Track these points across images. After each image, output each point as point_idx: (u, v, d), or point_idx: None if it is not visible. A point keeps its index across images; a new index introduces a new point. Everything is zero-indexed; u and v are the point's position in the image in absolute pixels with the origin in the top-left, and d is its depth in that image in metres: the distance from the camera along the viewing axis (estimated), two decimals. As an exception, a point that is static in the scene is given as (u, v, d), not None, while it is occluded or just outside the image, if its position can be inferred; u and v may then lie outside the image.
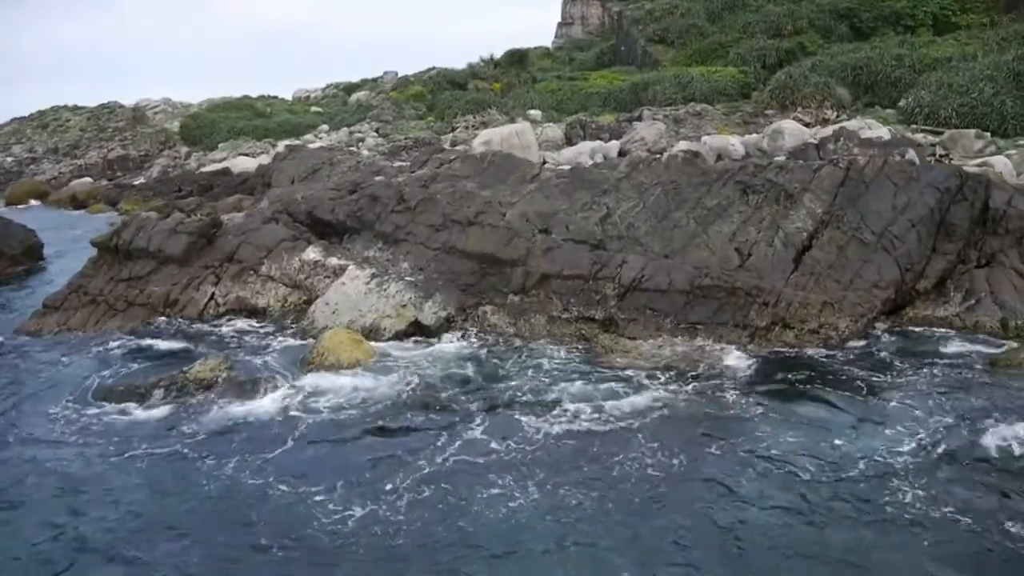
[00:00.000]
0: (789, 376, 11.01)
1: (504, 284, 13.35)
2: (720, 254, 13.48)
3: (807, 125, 33.25)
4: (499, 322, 12.95)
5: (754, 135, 26.40)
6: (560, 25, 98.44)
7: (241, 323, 14.21)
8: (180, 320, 14.33)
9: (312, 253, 14.41)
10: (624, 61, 52.36)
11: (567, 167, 16.16)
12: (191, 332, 14.22)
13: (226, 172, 36.57)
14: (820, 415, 9.81)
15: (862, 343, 12.20)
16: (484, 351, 12.25)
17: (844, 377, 10.95)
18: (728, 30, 47.75)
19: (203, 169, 41.21)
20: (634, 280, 12.97)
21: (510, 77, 47.69)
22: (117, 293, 14.80)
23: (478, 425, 9.59)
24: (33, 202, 38.80)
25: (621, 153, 30.24)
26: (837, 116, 33.27)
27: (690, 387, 10.67)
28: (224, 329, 14.15)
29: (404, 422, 9.85)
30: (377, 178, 16.59)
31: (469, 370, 11.44)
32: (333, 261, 14.17)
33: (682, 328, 12.50)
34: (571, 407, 10.02)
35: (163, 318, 14.36)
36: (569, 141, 36.01)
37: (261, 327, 14.02)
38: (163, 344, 13.94)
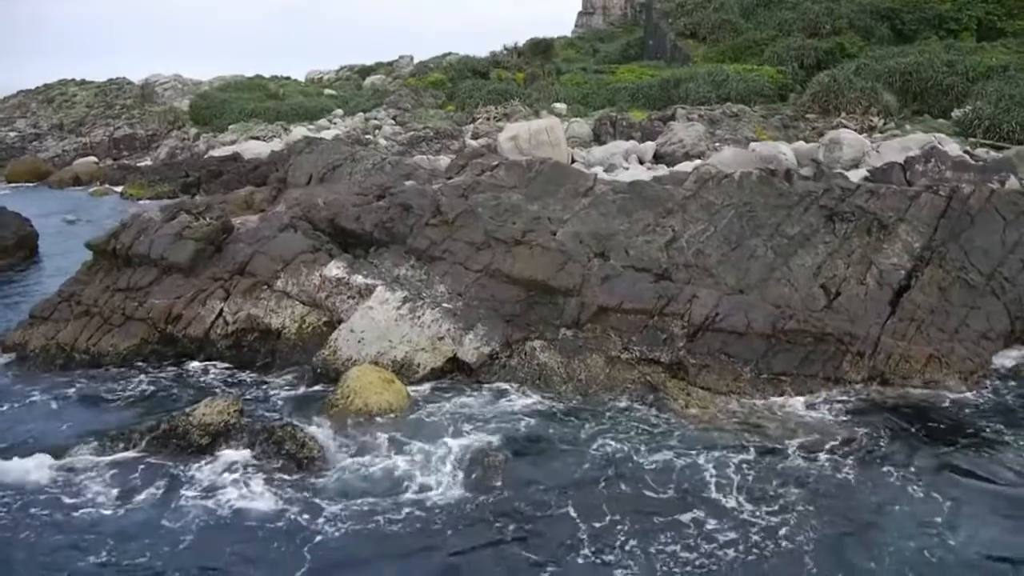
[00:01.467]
0: (913, 443, 9.28)
1: (555, 316, 11.64)
2: (804, 291, 11.75)
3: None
4: (550, 361, 11.24)
5: (806, 143, 24.59)
6: (581, 14, 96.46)
7: (252, 344, 12.53)
8: (183, 338, 12.65)
9: (335, 269, 12.70)
10: (652, 55, 50.45)
11: (625, 180, 14.38)
12: (193, 351, 12.57)
13: (236, 158, 34.85)
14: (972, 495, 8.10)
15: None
16: (537, 400, 10.53)
17: (980, 435, 9.25)
18: (763, 27, 45.83)
19: (212, 153, 39.49)
20: (706, 319, 11.26)
21: (534, 67, 45.83)
22: (114, 304, 13.10)
23: (559, 529, 7.68)
24: (33, 183, 37.04)
25: (657, 156, 28.49)
26: (884, 123, 31.47)
27: (794, 458, 8.94)
28: (232, 352, 12.49)
29: (459, 523, 7.76)
30: (408, 183, 14.85)
31: (523, 428, 9.71)
32: (359, 279, 12.45)
33: (764, 379, 10.80)
34: (662, 492, 8.28)
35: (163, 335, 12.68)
36: (598, 138, 34.21)
37: (275, 351, 12.35)
38: (160, 370, 12.34)
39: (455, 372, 11.32)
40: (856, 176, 19.47)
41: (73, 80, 57.08)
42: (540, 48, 46.92)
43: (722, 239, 12.36)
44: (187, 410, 9.68)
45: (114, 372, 12.22)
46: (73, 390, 11.52)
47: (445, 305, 11.78)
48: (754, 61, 42.51)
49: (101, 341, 12.71)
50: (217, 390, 11.43)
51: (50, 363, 12.63)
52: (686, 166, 24.96)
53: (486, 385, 10.97)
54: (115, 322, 12.94)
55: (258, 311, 12.71)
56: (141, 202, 29.96)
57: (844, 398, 10.46)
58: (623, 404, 10.46)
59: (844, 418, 9.98)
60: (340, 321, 12.31)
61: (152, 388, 11.63)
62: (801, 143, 25.21)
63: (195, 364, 12.45)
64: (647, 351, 11.26)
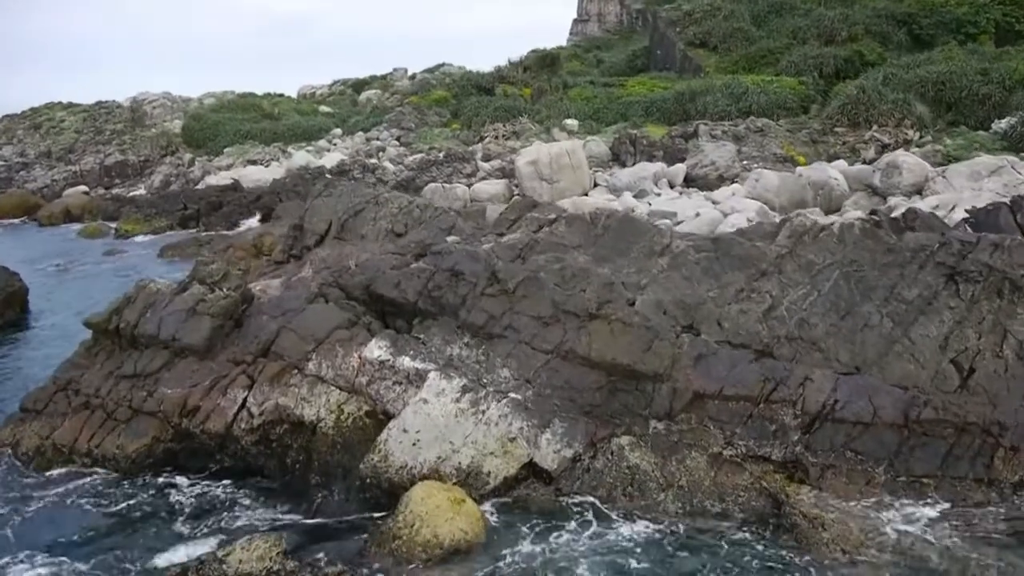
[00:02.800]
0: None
1: (643, 405, 9.90)
2: (931, 368, 10.04)
3: (884, 146, 29.93)
4: (642, 462, 9.49)
5: (858, 165, 22.90)
6: (576, 22, 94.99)
7: (282, 439, 10.75)
8: (201, 435, 10.85)
9: (376, 349, 10.91)
10: (660, 66, 48.83)
11: (702, 235, 12.61)
12: (213, 449, 10.78)
13: (236, 187, 33.11)
14: None
15: None
16: (635, 528, 8.76)
17: None
18: (776, 35, 44.29)
19: (210, 180, 37.68)
20: (823, 407, 9.54)
21: (540, 82, 44.15)
22: (118, 395, 11.30)
23: None
24: (21, 219, 35.13)
25: (688, 179, 26.81)
26: (920, 137, 29.88)
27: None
28: (260, 448, 10.71)
29: None
30: (450, 239, 13.07)
31: (626, 571, 7.95)
32: (406, 362, 10.68)
33: (903, 483, 9.07)
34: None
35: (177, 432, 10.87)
36: (616, 157, 32.51)
37: (311, 449, 10.56)
38: (176, 475, 10.57)
39: (530, 479, 9.54)
40: (926, 205, 17.84)
41: (60, 103, 55.14)
42: (546, 61, 45.27)
43: (828, 305, 10.63)
44: (220, 553, 7.89)
45: (122, 481, 10.43)
46: (72, 512, 9.71)
47: (513, 395, 10.01)
48: (770, 71, 40.94)
49: (105, 441, 10.90)
50: (247, 507, 9.64)
51: (45, 468, 10.84)
52: (725, 192, 23.31)
53: (570, 499, 9.20)
54: (121, 417, 11.13)
55: (288, 400, 10.91)
56: (137, 239, 28.15)
57: (1004, 510, 8.73)
58: (738, 526, 8.71)
59: (1008, 538, 8.26)
60: (385, 412, 10.54)
61: (169, 505, 9.85)
62: (852, 166, 23.49)
63: (217, 468, 10.67)
64: (755, 447, 9.53)
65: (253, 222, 27.92)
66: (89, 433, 11.04)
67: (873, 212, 13.74)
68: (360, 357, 11.03)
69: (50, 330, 16.92)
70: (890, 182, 20.07)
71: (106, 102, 51.51)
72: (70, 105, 54.05)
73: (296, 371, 11.14)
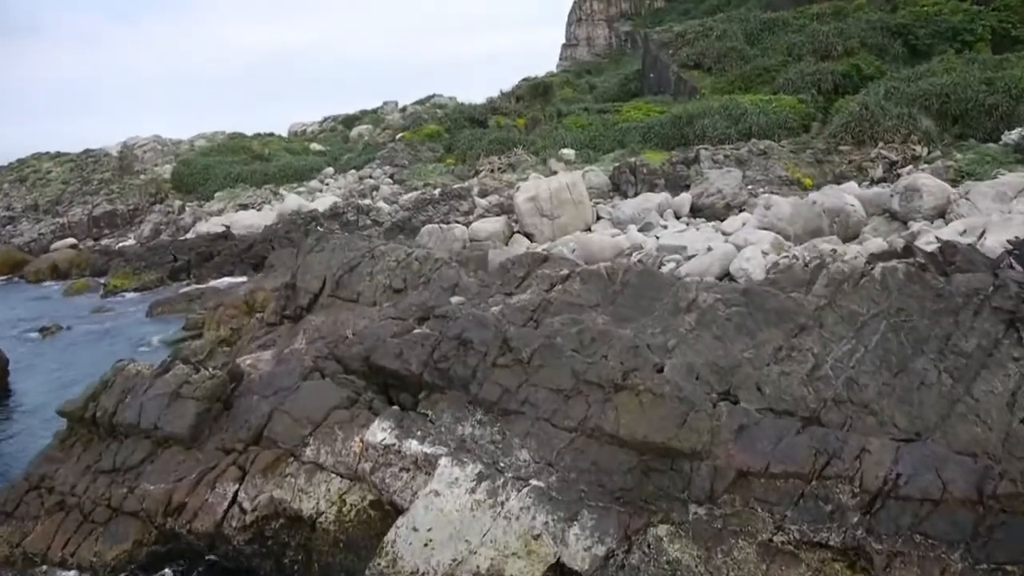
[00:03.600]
0: None
1: (680, 487, 8.82)
2: (1000, 430, 8.98)
3: (892, 163, 29.07)
4: (683, 556, 8.40)
5: (874, 189, 21.94)
6: (565, 46, 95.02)
7: (278, 535, 9.65)
8: (189, 535, 9.75)
9: (380, 432, 9.85)
10: (654, 89, 48.18)
11: (730, 286, 11.56)
12: (202, 550, 9.69)
13: (227, 235, 32.13)
14: None
15: None
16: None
17: None
18: (770, 53, 43.66)
19: (200, 227, 36.69)
20: (885, 482, 8.46)
21: (534, 111, 43.38)
22: (96, 493, 10.22)
23: None
24: (7, 276, 34.11)
25: (695, 209, 25.83)
26: (928, 152, 29.01)
27: None
28: (254, 548, 9.61)
29: None
30: (454, 299, 12.04)
31: None
32: (414, 446, 9.61)
33: (983, 570, 7.98)
34: None
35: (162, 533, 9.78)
36: (617, 188, 31.58)
37: (310, 547, 9.46)
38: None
39: (559, 581, 8.44)
40: (952, 231, 16.88)
41: (47, 153, 54.45)
42: (539, 90, 44.58)
43: (878, 362, 9.59)
44: None
45: (101, 596, 9.31)
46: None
47: (534, 482, 8.94)
48: (766, 90, 40.23)
49: (81, 547, 9.81)
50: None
51: (17, 582, 9.75)
52: (735, 222, 22.34)
53: (609, 607, 8.10)
54: (99, 518, 10.04)
55: (283, 493, 9.83)
56: (126, 295, 27.12)
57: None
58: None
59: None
60: (392, 503, 9.47)
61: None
62: (867, 189, 22.54)
63: (207, 570, 9.56)
64: (810, 531, 8.44)
65: (243, 277, 26.87)
66: (64, 538, 9.95)
67: (908, 249, 12.73)
68: (362, 441, 9.97)
69: (30, 411, 15.86)
70: (910, 206, 19.10)
71: (94, 150, 50.74)
72: (58, 155, 53.34)
73: (292, 458, 10.07)
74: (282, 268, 24.90)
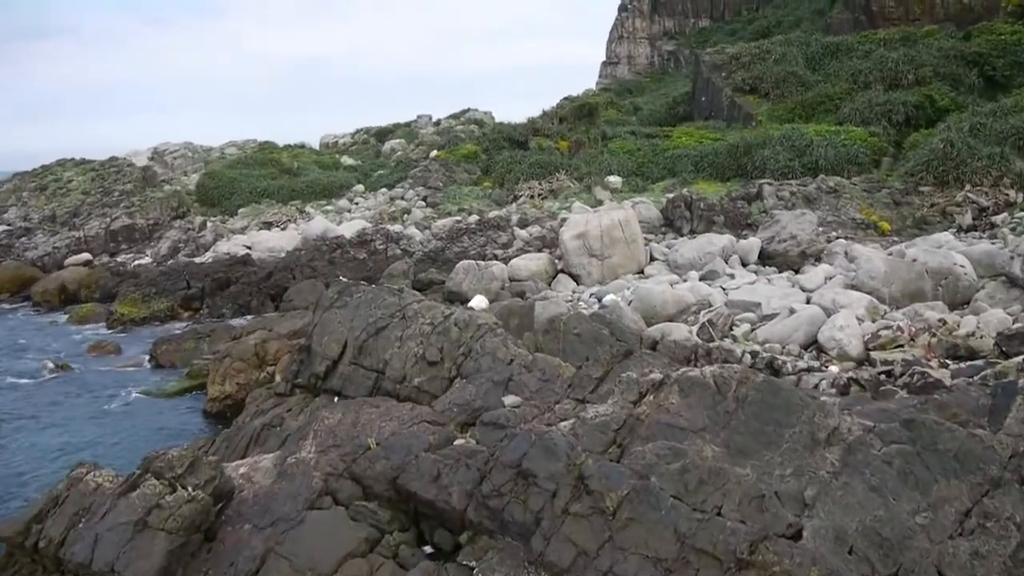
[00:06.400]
0: None
1: None
2: None
3: (983, 210, 26.13)
4: None
5: (983, 245, 19.04)
6: (605, 64, 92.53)
7: None
8: None
9: (409, 600, 7.25)
10: (704, 113, 45.44)
11: (881, 409, 8.77)
12: None
13: (246, 261, 29.82)
14: None
15: None
16: None
17: None
18: (833, 79, 40.71)
19: (220, 246, 34.54)
20: None
21: (578, 134, 40.80)
22: (31, 657, 7.70)
23: None
24: (13, 295, 32.09)
25: (764, 255, 23.08)
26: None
27: None
28: None
29: None
30: (507, 400, 9.41)
31: None
32: (453, 627, 6.99)
33: None
34: None
35: None
36: (670, 223, 28.85)
37: None
38: None
39: None
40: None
41: (72, 160, 52.78)
42: (583, 111, 41.97)
43: (1110, 541, 6.83)
44: None
45: None
46: None
47: None
48: (829, 119, 37.35)
49: None
50: None
51: None
52: (815, 276, 19.54)
53: None
54: None
55: (276, 676, 7.23)
56: (132, 328, 24.82)
57: None
58: None
59: None
60: None
61: None
62: (975, 244, 19.66)
63: None
64: None
65: (256, 317, 24.48)
66: None
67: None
68: (384, 607, 7.36)
69: (12, 461, 13.61)
70: (1036, 270, 16.23)
71: (117, 159, 48.91)
72: (82, 162, 51.63)
73: (289, 626, 7.48)
74: (300, 307, 22.52)
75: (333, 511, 8.26)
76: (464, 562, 7.70)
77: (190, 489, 8.21)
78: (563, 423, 8.24)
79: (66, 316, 27.00)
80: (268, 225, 38.77)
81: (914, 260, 17.74)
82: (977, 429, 7.58)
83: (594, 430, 8.04)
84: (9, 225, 42.38)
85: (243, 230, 38.58)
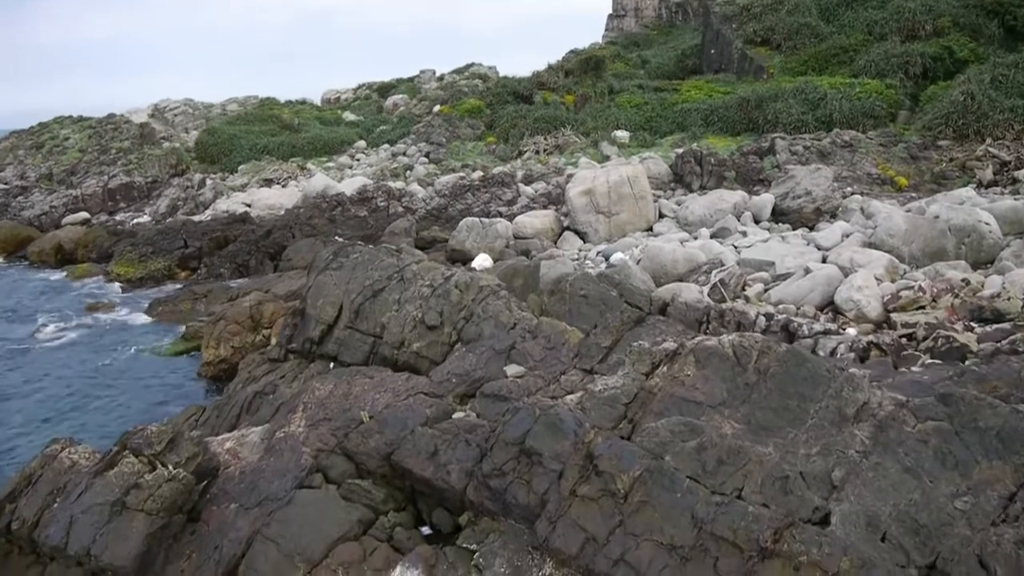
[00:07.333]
0: None
1: None
2: None
3: (1004, 165, 25.23)
4: None
5: (1008, 202, 18.20)
6: (611, 17, 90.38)
7: None
8: None
9: (403, 585, 6.73)
10: (715, 66, 44.15)
11: (917, 380, 8.13)
12: None
13: (244, 219, 29.15)
14: None
15: None
16: None
17: None
18: (848, 30, 39.37)
19: (220, 204, 33.86)
20: None
21: (584, 88, 39.71)
22: (3, 645, 7.25)
23: None
24: (8, 256, 31.53)
25: (778, 212, 22.29)
26: (1047, 152, 25.09)
27: None
28: None
29: None
30: (510, 371, 8.81)
31: None
32: (451, 616, 6.48)
33: None
34: None
35: None
36: (680, 179, 28.02)
37: None
38: None
39: None
40: None
41: (69, 117, 51.80)
42: (590, 64, 40.74)
43: None
44: None
45: None
46: None
47: None
48: (844, 72, 36.16)
49: None
50: None
51: None
52: (831, 234, 18.79)
53: None
54: None
55: (262, 667, 6.75)
56: (127, 291, 24.27)
57: None
58: None
59: None
60: None
61: None
62: (1000, 200, 18.87)
63: None
64: None
65: (254, 278, 23.87)
66: None
67: None
68: (377, 594, 6.85)
69: (8, 431, 13.18)
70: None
71: (114, 116, 47.95)
72: (80, 119, 50.68)
73: (276, 614, 6.99)
74: (299, 267, 21.92)
75: (324, 490, 7.72)
76: (464, 545, 7.18)
77: (171, 467, 7.68)
78: (570, 396, 7.65)
79: (63, 275, 26.44)
80: (268, 182, 37.99)
81: (936, 217, 16.99)
82: (1021, 404, 6.96)
83: (603, 404, 7.44)
84: (5, 184, 41.65)
85: (243, 187, 37.81)
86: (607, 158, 31.68)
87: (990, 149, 25.58)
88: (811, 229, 20.41)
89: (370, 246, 13.67)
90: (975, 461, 6.62)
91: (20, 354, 18.37)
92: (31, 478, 7.98)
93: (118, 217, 36.40)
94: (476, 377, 8.69)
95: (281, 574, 7.06)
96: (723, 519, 6.40)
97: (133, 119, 47.93)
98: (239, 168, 40.90)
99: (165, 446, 7.78)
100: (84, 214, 36.73)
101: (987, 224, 16.40)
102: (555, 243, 22.77)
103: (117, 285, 24.61)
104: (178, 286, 23.79)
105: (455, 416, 8.13)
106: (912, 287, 14.93)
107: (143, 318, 20.37)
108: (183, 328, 18.47)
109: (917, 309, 14.31)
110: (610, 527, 6.58)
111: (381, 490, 7.80)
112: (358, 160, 40.14)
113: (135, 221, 34.50)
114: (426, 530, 7.71)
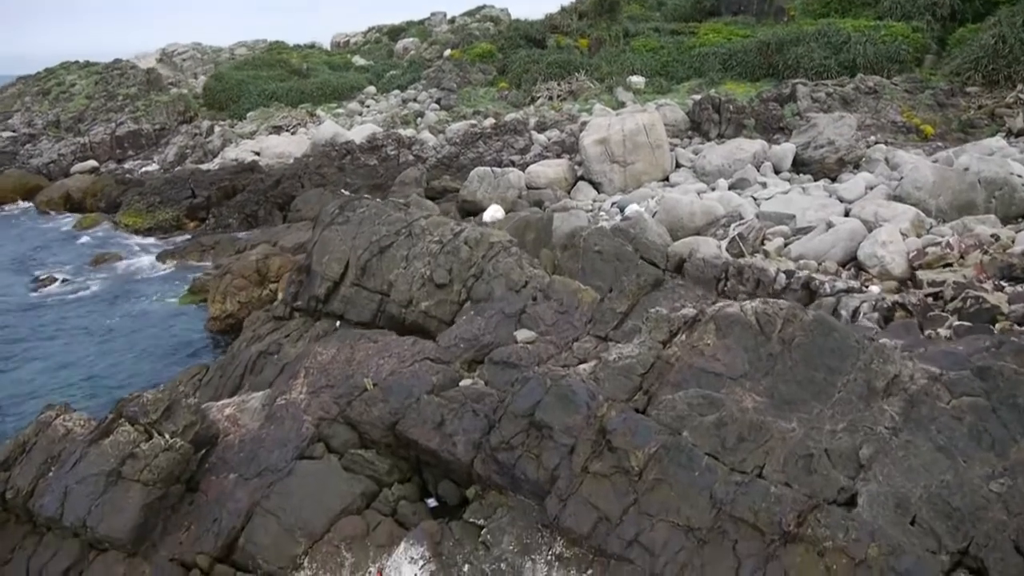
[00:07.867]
0: None
1: None
2: None
3: (1034, 111, 24.26)
4: None
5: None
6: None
7: None
8: None
9: (408, 566, 6.47)
10: (733, 8, 42.67)
11: (950, 352, 7.68)
12: None
13: (253, 167, 28.67)
14: None
15: None
16: None
17: None
18: (875, -31, 37.86)
19: (228, 152, 33.35)
20: None
21: (599, 31, 38.56)
22: (0, 616, 7.08)
23: None
24: (17, 204, 31.26)
25: (798, 162, 21.60)
26: (1080, 99, 24.14)
27: None
28: None
29: None
30: (520, 336, 8.43)
31: None
32: (457, 595, 6.23)
33: None
34: None
35: None
36: (697, 126, 27.24)
37: None
38: None
39: None
40: None
41: (76, 63, 51.00)
42: (604, 7, 39.49)
43: None
44: None
45: None
46: None
47: None
48: (868, 14, 34.86)
49: None
50: None
51: None
52: (854, 186, 18.16)
53: None
54: (1, 659, 6.92)
55: (263, 644, 6.55)
56: (135, 239, 24.00)
57: None
58: None
59: None
60: None
61: None
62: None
63: None
64: None
65: (263, 230, 23.49)
66: None
67: None
68: (382, 570, 6.61)
69: (11, 391, 13.04)
70: (1100, 181, 14.83)
71: (120, 62, 47.16)
72: (87, 64, 49.91)
73: (277, 588, 6.76)
74: (307, 218, 21.50)
75: (326, 460, 7.45)
76: (471, 520, 6.90)
77: (167, 436, 7.40)
78: (582, 365, 7.28)
79: (71, 225, 26.17)
80: (277, 129, 37.35)
81: (966, 169, 16.32)
82: (1062, 377, 6.54)
83: (617, 374, 7.07)
84: (13, 131, 41.18)
85: (252, 135, 37.20)
86: (622, 105, 30.85)
87: (1021, 96, 24.63)
88: (833, 180, 19.74)
89: (377, 199, 13.23)
90: (1013, 440, 6.23)
91: (29, 304, 18.18)
92: (24, 445, 7.74)
93: (126, 165, 35.98)
94: (485, 342, 8.33)
95: (282, 549, 6.83)
96: (743, 499, 6.07)
97: (140, 64, 47.15)
98: (248, 115, 40.23)
99: (161, 414, 7.49)
100: (92, 162, 36.30)
101: (1020, 176, 15.75)
102: (569, 193, 22.19)
103: (125, 235, 24.29)
104: (186, 236, 23.51)
105: (462, 384, 7.80)
106: (939, 243, 14.37)
107: (151, 270, 20.10)
108: (191, 279, 18.19)
109: (944, 266, 13.78)
110: (623, 506, 6.26)
111: (385, 461, 7.52)
112: (368, 106, 39.36)
113: (143, 169, 34.07)
114: (432, 502, 7.45)
